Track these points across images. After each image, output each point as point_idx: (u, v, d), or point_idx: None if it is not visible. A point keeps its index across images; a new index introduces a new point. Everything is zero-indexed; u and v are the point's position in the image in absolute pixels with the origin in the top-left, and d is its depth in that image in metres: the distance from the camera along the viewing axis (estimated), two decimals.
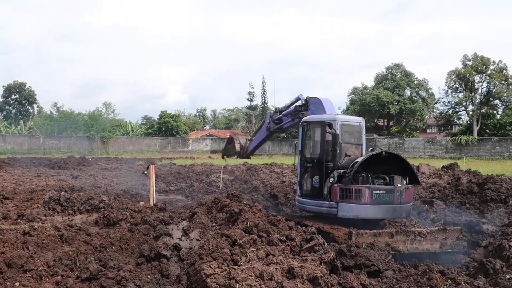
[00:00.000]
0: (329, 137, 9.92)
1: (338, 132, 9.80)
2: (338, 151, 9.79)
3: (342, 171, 9.71)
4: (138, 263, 7.54)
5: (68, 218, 11.37)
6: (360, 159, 9.59)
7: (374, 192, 9.24)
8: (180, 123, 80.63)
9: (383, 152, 9.78)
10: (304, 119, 10.99)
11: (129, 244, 8.32)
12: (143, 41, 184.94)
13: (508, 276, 6.95)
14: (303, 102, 12.73)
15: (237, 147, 15.63)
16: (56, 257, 6.87)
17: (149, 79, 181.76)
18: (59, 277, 6.26)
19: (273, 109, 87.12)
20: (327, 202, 9.72)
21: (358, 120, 10.58)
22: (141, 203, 13.39)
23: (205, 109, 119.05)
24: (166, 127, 78.14)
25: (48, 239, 7.84)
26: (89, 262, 6.87)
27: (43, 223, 9.31)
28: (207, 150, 75.42)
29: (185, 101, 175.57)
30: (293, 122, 13.38)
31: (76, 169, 29.17)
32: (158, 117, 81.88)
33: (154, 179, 13.48)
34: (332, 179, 9.68)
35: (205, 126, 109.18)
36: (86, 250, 7.62)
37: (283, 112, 14.37)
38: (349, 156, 10.09)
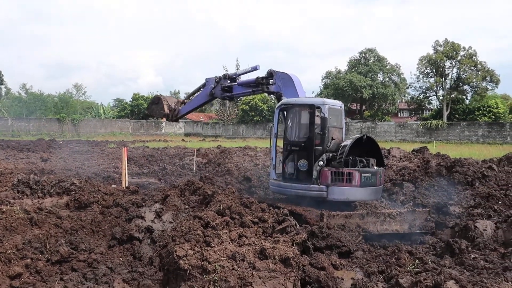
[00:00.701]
0: (318, 120, 9.94)
1: (326, 115, 9.82)
2: (326, 135, 9.83)
3: (330, 154, 9.81)
4: (110, 246, 7.50)
5: (38, 201, 11.15)
6: (348, 143, 9.68)
7: (362, 174, 9.42)
8: None
9: (364, 136, 9.92)
10: (288, 101, 10.61)
11: (100, 227, 8.25)
12: (116, 22, 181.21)
13: (473, 256, 7.17)
14: (266, 74, 11.55)
15: (166, 108, 12.89)
16: (26, 240, 6.76)
17: (121, 61, 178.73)
18: (28, 260, 6.17)
19: None
20: (316, 186, 9.70)
21: (339, 104, 10.65)
22: (113, 186, 13.25)
23: (178, 92, 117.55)
24: (139, 110, 77.18)
25: (17, 222, 7.69)
26: (59, 245, 6.80)
27: (11, 206, 9.10)
28: (181, 133, 74.99)
29: (158, 84, 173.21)
30: (252, 93, 12.53)
31: (46, 152, 28.62)
32: (131, 99, 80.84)
33: (126, 161, 13.34)
34: (321, 162, 9.73)
35: None
36: (57, 233, 7.53)
37: (240, 81, 12.53)
38: (334, 139, 10.15)
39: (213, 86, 12.70)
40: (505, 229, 8.22)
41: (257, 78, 11.60)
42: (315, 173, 9.69)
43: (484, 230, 8.28)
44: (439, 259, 7.24)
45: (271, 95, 13.98)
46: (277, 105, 10.81)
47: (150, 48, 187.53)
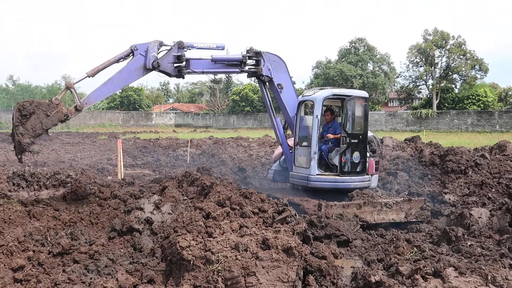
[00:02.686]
0: (367, 112, 10.29)
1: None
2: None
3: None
4: (110, 238, 7.51)
5: (34, 194, 11.13)
6: (370, 134, 10.39)
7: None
8: (143, 97, 79.39)
9: None
10: (341, 92, 10.34)
11: (99, 218, 8.25)
12: (103, 10, 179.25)
13: (469, 243, 7.30)
14: (249, 53, 10.06)
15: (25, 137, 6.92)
16: (26, 233, 6.77)
17: (110, 51, 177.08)
18: (30, 253, 6.17)
19: (237, 82, 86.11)
20: (368, 176, 10.11)
21: None
22: (109, 177, 13.24)
23: (168, 83, 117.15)
24: (128, 101, 76.78)
25: (15, 215, 7.66)
26: (60, 237, 6.81)
27: (8, 199, 9.06)
28: (171, 124, 74.71)
29: (148, 75, 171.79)
30: (226, 73, 11.54)
31: (36, 144, 28.23)
32: (120, 90, 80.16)
33: (121, 153, 13.31)
34: (368, 153, 10.11)
35: (168, 100, 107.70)
36: (56, 226, 7.52)
37: (216, 57, 9.78)
38: None
39: (155, 56, 9.01)
40: (500, 216, 8.36)
41: (244, 56, 10.02)
42: (366, 164, 10.06)
43: (479, 217, 8.42)
44: (436, 246, 7.36)
45: (252, 78, 12.28)
46: (324, 95, 10.04)
47: (137, 38, 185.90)
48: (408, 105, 72.06)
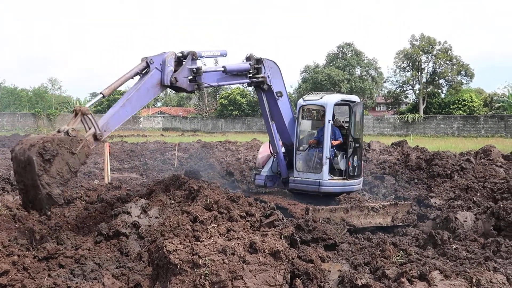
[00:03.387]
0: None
1: None
2: None
3: None
4: (97, 242, 7.45)
5: (20, 198, 11.00)
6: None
7: None
8: None
9: None
10: (349, 98, 10.57)
11: (85, 222, 8.21)
12: (90, 14, 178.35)
13: (454, 246, 7.37)
14: (252, 61, 9.63)
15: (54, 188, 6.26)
16: (11, 237, 6.69)
17: (97, 55, 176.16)
18: (15, 257, 6.10)
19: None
20: (361, 179, 10.70)
21: None
22: (96, 181, 13.16)
23: None
24: None
25: (0, 219, 7.61)
26: (45, 242, 6.75)
27: None
28: (159, 127, 74.44)
29: (135, 78, 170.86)
30: (233, 83, 10.00)
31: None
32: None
33: (108, 157, 13.23)
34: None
35: (156, 104, 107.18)
36: (41, 230, 7.47)
37: (230, 68, 9.09)
38: None
39: (172, 70, 7.96)
40: (485, 220, 8.46)
41: (251, 65, 9.59)
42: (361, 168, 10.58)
43: (465, 221, 8.50)
44: (422, 250, 7.42)
45: (250, 87, 11.89)
46: (335, 100, 10.16)
47: (124, 42, 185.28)
48: (395, 109, 72.63)
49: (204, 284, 5.23)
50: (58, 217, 8.30)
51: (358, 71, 70.83)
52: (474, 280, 5.98)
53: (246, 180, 14.37)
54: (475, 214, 8.88)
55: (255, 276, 5.50)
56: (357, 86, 66.99)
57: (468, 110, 58.59)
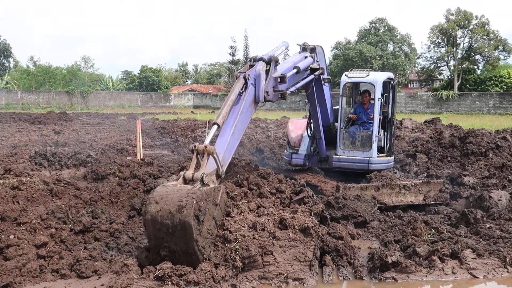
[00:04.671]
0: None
1: None
2: None
3: None
4: (130, 216, 7.66)
5: (56, 173, 11.36)
6: None
7: None
8: (161, 78, 79.60)
9: None
10: (390, 75, 10.50)
11: (119, 198, 8.42)
12: (106, 12, 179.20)
13: (488, 225, 7.25)
14: (309, 51, 9.05)
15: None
16: (49, 211, 6.93)
17: (129, 32, 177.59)
18: (53, 230, 6.33)
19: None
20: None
21: None
22: (128, 157, 13.41)
23: (186, 64, 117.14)
24: (147, 82, 77.11)
25: (37, 193, 7.86)
26: (81, 215, 6.96)
27: (31, 178, 9.28)
28: (190, 105, 74.95)
29: (166, 56, 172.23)
30: (306, 80, 8.87)
31: (57, 124, 28.82)
32: (139, 71, 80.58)
33: (140, 134, 13.44)
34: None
35: (187, 81, 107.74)
36: (77, 204, 7.69)
37: (301, 67, 8.25)
38: None
39: (264, 84, 7.06)
40: None
41: (313, 58, 9.00)
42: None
43: (499, 200, 8.32)
44: (454, 229, 7.32)
45: None
46: (383, 78, 10.15)
47: (156, 19, 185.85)
48: (428, 86, 70.97)
49: (235, 258, 5.32)
50: (93, 192, 8.51)
51: (390, 47, 69.29)
52: (507, 259, 5.90)
53: (276, 157, 14.39)
54: (510, 193, 8.69)
55: (285, 252, 5.56)
56: (389, 62, 65.61)
57: (505, 87, 56.70)
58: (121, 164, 11.31)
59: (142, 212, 5.60)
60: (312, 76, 8.89)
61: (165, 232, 5.14)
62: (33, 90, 67.98)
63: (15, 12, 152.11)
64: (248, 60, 7.06)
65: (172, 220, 5.05)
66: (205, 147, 5.71)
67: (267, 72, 7.15)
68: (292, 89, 8.17)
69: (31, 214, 6.51)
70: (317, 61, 9.16)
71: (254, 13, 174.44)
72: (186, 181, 5.62)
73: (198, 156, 5.78)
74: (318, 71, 8.95)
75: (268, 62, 7.19)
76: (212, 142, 6.12)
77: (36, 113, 39.37)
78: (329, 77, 9.72)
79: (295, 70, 8.02)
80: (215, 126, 6.24)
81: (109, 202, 8.15)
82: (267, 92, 7.13)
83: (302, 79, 8.67)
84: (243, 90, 6.80)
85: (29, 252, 5.70)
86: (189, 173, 5.61)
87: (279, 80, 7.44)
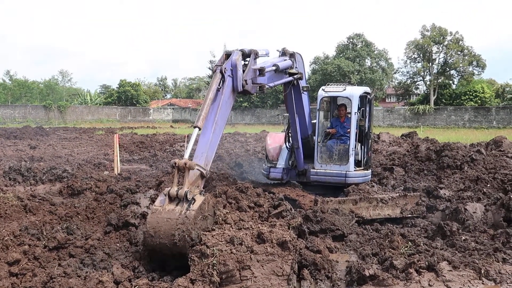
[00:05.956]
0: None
1: None
2: None
3: None
4: (106, 232, 7.52)
5: (31, 188, 11.15)
6: None
7: None
8: (140, 92, 79.20)
9: None
10: (367, 90, 10.63)
11: (95, 213, 8.29)
12: (101, 7, 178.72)
13: (463, 238, 7.34)
14: (289, 56, 9.14)
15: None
16: (22, 227, 6.78)
17: (107, 46, 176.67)
18: (26, 247, 6.18)
19: None
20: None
21: None
22: (105, 172, 13.24)
23: (165, 78, 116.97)
24: (126, 96, 76.61)
25: (11, 209, 7.71)
26: (56, 232, 6.81)
27: (4, 193, 9.07)
28: (169, 119, 74.66)
29: (145, 70, 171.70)
30: (286, 81, 9.03)
31: (33, 139, 28.37)
32: (117, 86, 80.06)
33: (118, 148, 13.30)
34: None
35: (166, 95, 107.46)
36: (52, 220, 7.55)
37: (282, 66, 8.48)
38: None
39: (241, 73, 7.12)
40: (494, 211, 8.39)
41: (293, 62, 9.14)
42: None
43: (474, 212, 8.44)
44: (430, 241, 7.39)
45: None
46: (360, 92, 10.29)
47: (136, 34, 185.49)
48: (405, 101, 72.12)
49: (212, 273, 5.26)
50: (68, 208, 8.37)
51: (368, 62, 70.33)
52: (482, 271, 5.97)
53: (255, 171, 14.38)
54: (484, 206, 8.82)
55: (262, 266, 5.53)
56: (367, 77, 66.54)
57: (479, 101, 58.06)
58: (98, 179, 11.17)
59: (140, 243, 6.29)
60: (290, 78, 9.04)
61: (164, 254, 5.78)
62: (9, 105, 66.94)
63: None
64: (224, 51, 7.19)
65: (170, 250, 5.64)
66: (185, 163, 5.83)
67: (246, 65, 7.30)
68: (271, 84, 8.26)
69: (4, 230, 6.36)
70: (296, 67, 9.25)
71: (234, 28, 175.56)
72: (171, 199, 5.80)
73: (179, 172, 5.91)
74: (297, 75, 9.16)
75: (248, 55, 7.30)
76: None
77: (12, 128, 38.69)
78: (308, 85, 9.85)
79: (274, 68, 8.17)
80: (196, 130, 6.37)
81: (85, 217, 8.01)
82: (245, 81, 7.18)
83: (281, 80, 8.82)
84: (220, 85, 6.82)
85: (1, 269, 5.55)
86: (173, 190, 5.78)
87: (258, 72, 7.52)
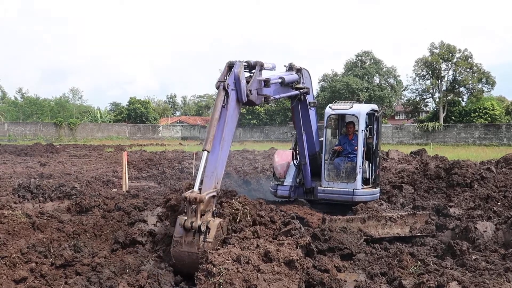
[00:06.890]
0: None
1: None
2: None
3: None
4: (113, 250, 7.52)
5: (39, 206, 11.20)
6: None
7: None
8: (150, 110, 79.70)
9: None
10: (373, 108, 10.63)
11: (103, 230, 8.28)
12: (111, 24, 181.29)
13: (474, 257, 7.23)
14: (295, 70, 9.20)
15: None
16: (29, 244, 6.81)
17: (118, 64, 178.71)
18: (33, 264, 6.20)
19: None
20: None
21: None
22: (114, 190, 13.28)
23: (175, 96, 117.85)
24: (135, 114, 77.13)
25: (19, 227, 7.73)
26: (63, 249, 6.83)
27: (13, 211, 9.11)
28: (178, 137, 74.92)
29: (154, 87, 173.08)
30: (291, 95, 9.09)
31: (43, 156, 28.57)
32: (127, 103, 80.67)
33: (126, 165, 13.36)
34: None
35: (175, 113, 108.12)
36: (59, 237, 7.56)
37: (288, 79, 8.54)
38: None
39: (245, 84, 7.13)
40: (505, 230, 8.28)
41: (299, 77, 9.19)
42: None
43: (485, 231, 8.33)
44: (440, 260, 7.29)
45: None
46: (367, 110, 10.33)
47: (145, 51, 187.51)
48: (414, 118, 71.85)
49: None
50: (76, 225, 8.38)
51: (377, 79, 70.34)
52: None
53: (263, 189, 14.34)
54: (495, 224, 8.70)
55: (269, 285, 5.48)
56: (376, 94, 66.49)
57: (489, 119, 57.65)
58: (106, 197, 11.20)
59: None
60: (296, 92, 9.09)
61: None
62: (20, 122, 67.65)
63: (3, 44, 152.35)
64: (227, 62, 7.21)
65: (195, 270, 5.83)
66: (195, 198, 6.14)
67: (251, 77, 7.39)
68: (276, 96, 8.27)
69: (11, 248, 6.38)
70: (303, 82, 9.33)
71: (241, 46, 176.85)
72: (186, 230, 6.26)
73: (192, 204, 6.22)
74: (303, 90, 9.24)
75: (253, 66, 7.40)
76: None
77: (22, 145, 39.04)
78: (315, 101, 9.87)
79: (280, 80, 8.25)
80: (205, 153, 6.51)
81: (92, 235, 8.01)
82: (250, 91, 7.23)
83: (286, 93, 8.88)
84: (225, 102, 6.88)
85: (8, 287, 5.56)
86: (187, 223, 6.21)
87: (263, 84, 7.57)
